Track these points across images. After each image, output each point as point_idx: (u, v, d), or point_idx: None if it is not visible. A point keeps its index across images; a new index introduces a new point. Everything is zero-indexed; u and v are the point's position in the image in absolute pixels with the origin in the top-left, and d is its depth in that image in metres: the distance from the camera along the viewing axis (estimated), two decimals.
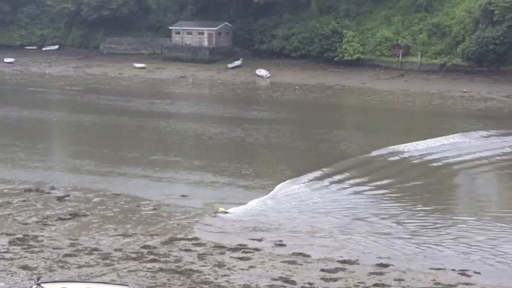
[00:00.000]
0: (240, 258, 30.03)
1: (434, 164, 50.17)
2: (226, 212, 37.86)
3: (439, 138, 58.26)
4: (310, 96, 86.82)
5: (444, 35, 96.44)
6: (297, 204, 39.70)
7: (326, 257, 30.43)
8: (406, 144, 55.86)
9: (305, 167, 48.54)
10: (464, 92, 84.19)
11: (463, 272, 28.82)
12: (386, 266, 29.43)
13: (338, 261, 29.94)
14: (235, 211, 38.38)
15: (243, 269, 28.61)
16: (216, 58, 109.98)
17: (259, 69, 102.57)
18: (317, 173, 46.85)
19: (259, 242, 32.69)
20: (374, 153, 53.06)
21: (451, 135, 59.62)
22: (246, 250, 31.23)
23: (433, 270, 29.05)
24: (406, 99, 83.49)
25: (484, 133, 61.33)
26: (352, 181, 45.24)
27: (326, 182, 44.90)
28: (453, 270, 29.10)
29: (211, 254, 30.63)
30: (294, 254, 30.85)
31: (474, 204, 41.18)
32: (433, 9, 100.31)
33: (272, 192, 42.30)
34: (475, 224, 36.04)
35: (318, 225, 35.63)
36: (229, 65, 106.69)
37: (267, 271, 28.45)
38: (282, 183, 44.18)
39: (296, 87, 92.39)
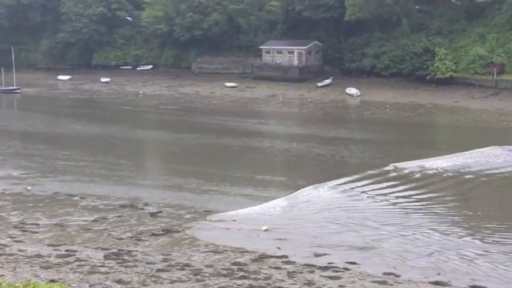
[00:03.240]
0: (330, 277, 29.83)
1: None
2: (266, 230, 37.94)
3: None
4: (401, 115, 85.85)
5: None
6: (390, 226, 39.36)
7: (417, 278, 29.90)
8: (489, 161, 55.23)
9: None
10: None
11: None
12: None
13: (430, 282, 29.34)
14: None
15: None
16: (306, 77, 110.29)
17: (350, 88, 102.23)
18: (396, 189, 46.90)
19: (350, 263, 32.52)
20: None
21: None
22: (336, 269, 31.02)
23: None
24: (501, 118, 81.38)
25: None
26: (429, 195, 45.06)
27: (404, 198, 44.74)
28: None
29: (301, 272, 30.55)
30: (384, 273, 30.48)
31: None
32: None
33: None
34: None
35: (412, 244, 35.16)
36: (319, 84, 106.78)
37: None
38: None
39: (387, 105, 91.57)
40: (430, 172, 52.03)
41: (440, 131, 79.78)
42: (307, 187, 47.47)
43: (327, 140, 67.87)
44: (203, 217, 40.73)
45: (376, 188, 47.42)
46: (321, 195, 45.57)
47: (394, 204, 43.37)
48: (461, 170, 52.31)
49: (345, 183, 48.72)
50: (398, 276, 30.15)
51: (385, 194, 45.66)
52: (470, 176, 50.90)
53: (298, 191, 46.43)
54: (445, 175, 51.26)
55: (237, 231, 37.92)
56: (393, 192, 46.17)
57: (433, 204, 43.27)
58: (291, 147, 65.28)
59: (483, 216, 40.67)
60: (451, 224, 38.79)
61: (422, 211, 41.64)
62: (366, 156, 59.40)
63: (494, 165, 54.22)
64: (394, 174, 51.80)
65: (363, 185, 48.07)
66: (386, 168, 53.40)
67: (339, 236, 36.87)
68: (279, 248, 34.38)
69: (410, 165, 53.75)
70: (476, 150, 59.08)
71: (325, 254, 33.32)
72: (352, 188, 47.32)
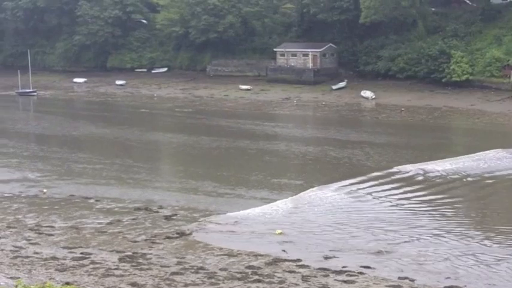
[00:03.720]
0: (344, 281, 29.77)
1: None
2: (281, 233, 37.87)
3: None
4: (417, 118, 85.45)
5: None
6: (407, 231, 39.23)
7: (432, 283, 29.76)
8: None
9: None
10: None
11: None
12: None
13: (445, 286, 29.22)
14: None
15: None
16: (321, 80, 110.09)
17: (364, 91, 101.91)
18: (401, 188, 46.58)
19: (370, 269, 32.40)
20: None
21: None
22: (351, 273, 30.93)
23: None
24: None
25: None
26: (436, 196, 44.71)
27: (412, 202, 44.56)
28: None
29: (315, 276, 30.51)
30: (399, 278, 30.35)
31: None
32: None
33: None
34: None
35: (427, 247, 34.98)
36: (334, 87, 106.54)
37: None
38: None
39: (402, 108, 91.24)
40: (436, 174, 51.95)
41: (456, 134, 79.23)
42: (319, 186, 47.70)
43: (343, 143, 67.58)
44: (212, 219, 40.75)
45: (393, 189, 47.41)
46: (334, 196, 45.65)
47: (406, 206, 43.31)
48: (463, 173, 52.15)
49: (357, 183, 49.17)
50: (413, 280, 30.03)
51: (395, 196, 45.71)
52: (474, 178, 50.79)
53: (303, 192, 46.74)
54: (448, 177, 51.12)
55: (237, 233, 37.86)
56: (399, 194, 46.30)
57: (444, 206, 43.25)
58: (306, 150, 64.99)
59: (494, 219, 40.45)
60: (463, 227, 38.54)
61: (432, 213, 41.55)
62: (384, 159, 59.11)
63: (498, 167, 54.14)
64: (403, 175, 52.02)
65: (373, 186, 48.09)
66: (403, 170, 53.34)
67: (349, 239, 36.81)
68: (284, 251, 34.29)
69: (416, 167, 53.71)
70: (481, 152, 59.10)
71: (335, 257, 33.25)
72: (358, 189, 47.56)
